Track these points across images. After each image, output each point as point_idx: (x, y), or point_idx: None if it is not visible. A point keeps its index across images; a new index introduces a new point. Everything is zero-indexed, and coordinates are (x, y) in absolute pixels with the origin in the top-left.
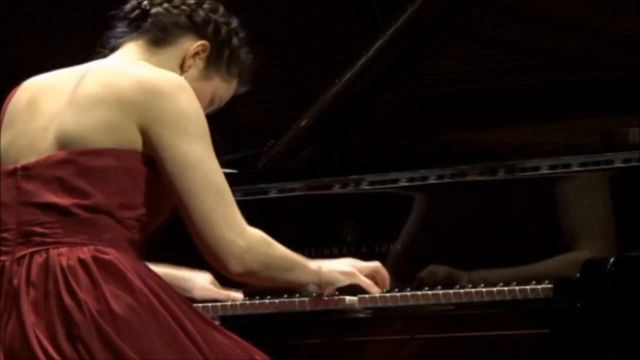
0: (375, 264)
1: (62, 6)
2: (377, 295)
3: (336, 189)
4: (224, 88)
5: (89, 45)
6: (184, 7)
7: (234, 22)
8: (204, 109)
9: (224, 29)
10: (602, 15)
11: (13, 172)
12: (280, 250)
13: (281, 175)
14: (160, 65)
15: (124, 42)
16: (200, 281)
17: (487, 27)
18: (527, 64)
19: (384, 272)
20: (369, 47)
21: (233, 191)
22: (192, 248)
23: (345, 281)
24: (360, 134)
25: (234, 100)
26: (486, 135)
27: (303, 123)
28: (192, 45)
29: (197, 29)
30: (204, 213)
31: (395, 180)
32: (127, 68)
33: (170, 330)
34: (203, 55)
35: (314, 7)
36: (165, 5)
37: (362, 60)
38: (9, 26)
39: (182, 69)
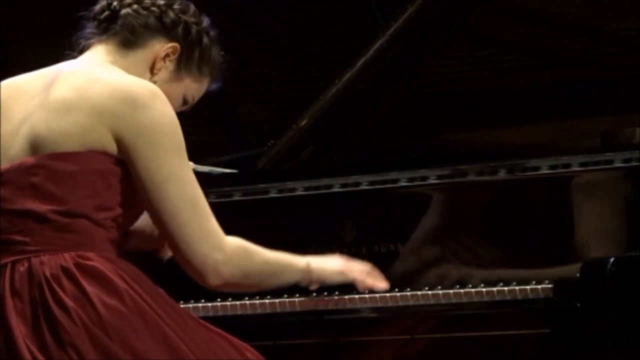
0: (368, 266)
1: (62, 6)
2: (378, 295)
3: (336, 189)
4: (195, 88)
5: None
6: (153, 8)
7: (205, 22)
8: (176, 109)
9: (194, 29)
10: (602, 15)
11: None
12: (262, 256)
13: (281, 175)
14: (130, 67)
15: (93, 43)
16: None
17: (487, 27)
18: (527, 64)
19: (378, 274)
20: (369, 47)
21: (233, 191)
22: None
23: (337, 279)
24: (360, 134)
25: (234, 101)
26: (486, 135)
27: (303, 123)
28: (162, 47)
29: (166, 31)
30: (178, 228)
31: (395, 180)
32: (99, 73)
33: (159, 330)
34: (173, 57)
35: (314, 7)
36: (135, 6)
37: (362, 60)
38: (9, 26)
39: (152, 71)
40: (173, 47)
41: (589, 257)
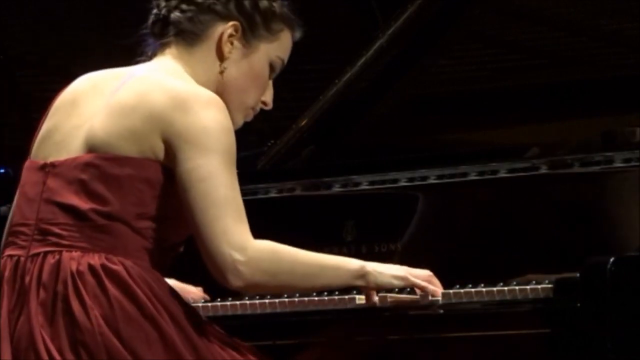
0: (428, 272)
1: (62, 6)
2: (377, 295)
3: (336, 189)
4: (274, 47)
5: (89, 45)
6: (199, 0)
7: None
8: (266, 81)
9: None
10: (602, 15)
11: (42, 168)
12: (294, 257)
13: (281, 175)
14: (200, 63)
15: (159, 48)
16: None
17: (487, 27)
18: (527, 64)
19: (437, 281)
20: (369, 47)
21: None
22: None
23: (397, 284)
24: (360, 134)
25: None
26: (486, 135)
27: (303, 123)
28: (222, 30)
29: (220, 14)
30: (204, 225)
31: (395, 180)
32: (163, 80)
33: (173, 344)
34: (238, 35)
35: (314, 8)
36: (183, 6)
37: (362, 60)
38: (9, 26)
39: (222, 58)
40: (233, 25)
41: (589, 257)
